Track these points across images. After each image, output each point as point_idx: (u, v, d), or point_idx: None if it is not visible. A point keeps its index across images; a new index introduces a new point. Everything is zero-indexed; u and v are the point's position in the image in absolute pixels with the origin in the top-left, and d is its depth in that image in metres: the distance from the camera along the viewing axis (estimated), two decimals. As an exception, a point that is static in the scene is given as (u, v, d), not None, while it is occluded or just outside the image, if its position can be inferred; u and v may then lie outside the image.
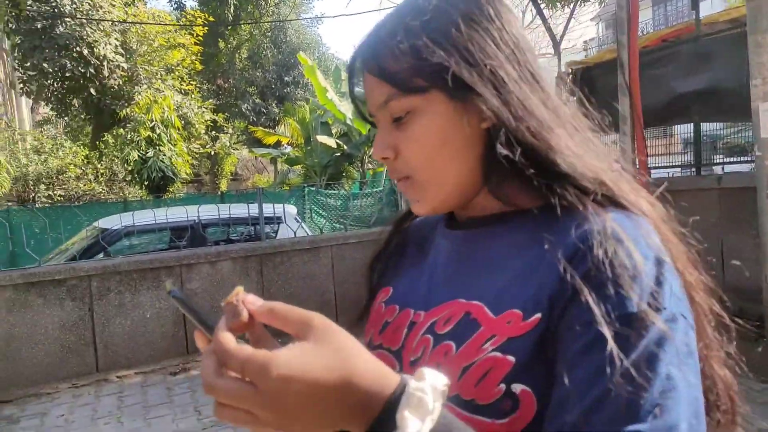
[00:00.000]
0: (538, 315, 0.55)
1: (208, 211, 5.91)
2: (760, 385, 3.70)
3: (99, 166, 12.63)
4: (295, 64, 22.39)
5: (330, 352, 0.44)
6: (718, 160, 7.00)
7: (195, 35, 15.13)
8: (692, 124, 5.52)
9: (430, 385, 0.44)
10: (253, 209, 5.89)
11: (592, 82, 5.94)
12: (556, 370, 0.52)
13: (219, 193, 18.31)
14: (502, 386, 0.54)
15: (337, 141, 13.55)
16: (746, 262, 4.67)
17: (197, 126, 14.35)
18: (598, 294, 0.51)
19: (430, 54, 0.59)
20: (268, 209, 6.13)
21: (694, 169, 5.43)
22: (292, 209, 6.95)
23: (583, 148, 0.62)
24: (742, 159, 6.65)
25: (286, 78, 22.89)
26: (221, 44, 20.02)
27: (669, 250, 0.57)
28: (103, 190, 14.69)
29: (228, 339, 0.44)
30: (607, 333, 0.49)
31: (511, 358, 0.54)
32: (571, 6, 9.38)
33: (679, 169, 6.86)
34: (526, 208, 0.63)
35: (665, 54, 5.54)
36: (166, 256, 5.01)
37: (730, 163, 6.91)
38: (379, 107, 0.64)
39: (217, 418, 0.46)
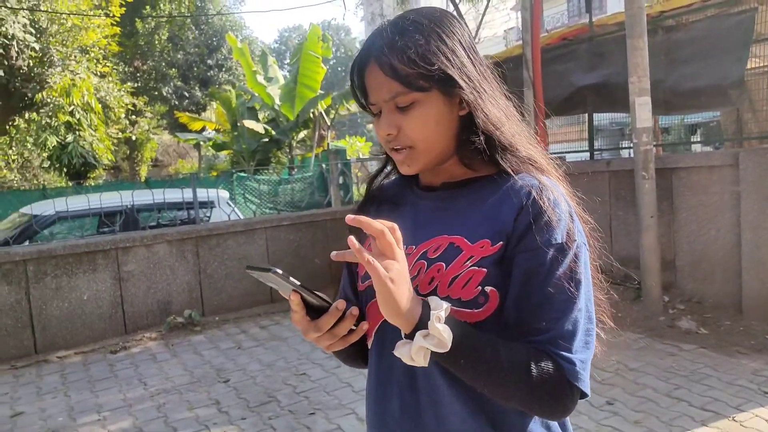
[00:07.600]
0: (501, 242, 0.85)
1: (140, 196, 6.02)
2: (636, 335, 4.42)
3: (10, 152, 12.06)
4: (219, 46, 21.91)
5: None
6: (625, 145, 7.80)
7: (111, 15, 14.56)
8: (587, 115, 6.21)
9: (444, 309, 0.76)
10: (187, 194, 6.06)
11: (503, 74, 6.53)
12: (512, 278, 0.84)
13: (141, 179, 17.78)
14: (479, 288, 0.84)
15: (265, 126, 13.60)
16: (630, 235, 5.42)
17: (116, 110, 13.91)
18: (539, 231, 0.82)
19: (431, 63, 0.83)
20: (201, 194, 6.32)
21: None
22: (224, 194, 7.14)
23: (518, 130, 0.92)
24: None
25: (209, 61, 22.38)
26: (138, 25, 19.27)
27: (574, 204, 0.90)
28: (15, 177, 13.96)
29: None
30: (547, 254, 0.82)
31: (484, 270, 0.84)
32: None
33: (588, 153, 7.60)
34: (483, 175, 0.92)
35: (565, 51, 6.19)
36: (101, 240, 5.11)
37: (623, 148, 7.77)
38: (386, 99, 0.86)
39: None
